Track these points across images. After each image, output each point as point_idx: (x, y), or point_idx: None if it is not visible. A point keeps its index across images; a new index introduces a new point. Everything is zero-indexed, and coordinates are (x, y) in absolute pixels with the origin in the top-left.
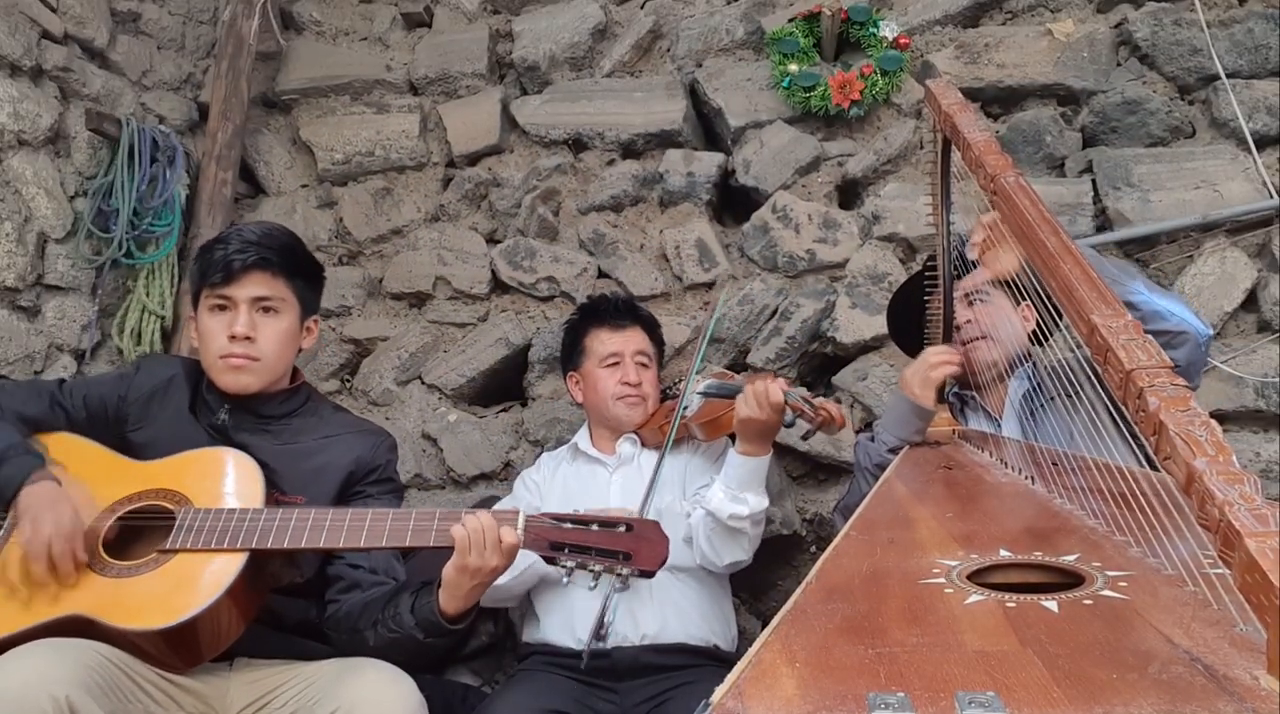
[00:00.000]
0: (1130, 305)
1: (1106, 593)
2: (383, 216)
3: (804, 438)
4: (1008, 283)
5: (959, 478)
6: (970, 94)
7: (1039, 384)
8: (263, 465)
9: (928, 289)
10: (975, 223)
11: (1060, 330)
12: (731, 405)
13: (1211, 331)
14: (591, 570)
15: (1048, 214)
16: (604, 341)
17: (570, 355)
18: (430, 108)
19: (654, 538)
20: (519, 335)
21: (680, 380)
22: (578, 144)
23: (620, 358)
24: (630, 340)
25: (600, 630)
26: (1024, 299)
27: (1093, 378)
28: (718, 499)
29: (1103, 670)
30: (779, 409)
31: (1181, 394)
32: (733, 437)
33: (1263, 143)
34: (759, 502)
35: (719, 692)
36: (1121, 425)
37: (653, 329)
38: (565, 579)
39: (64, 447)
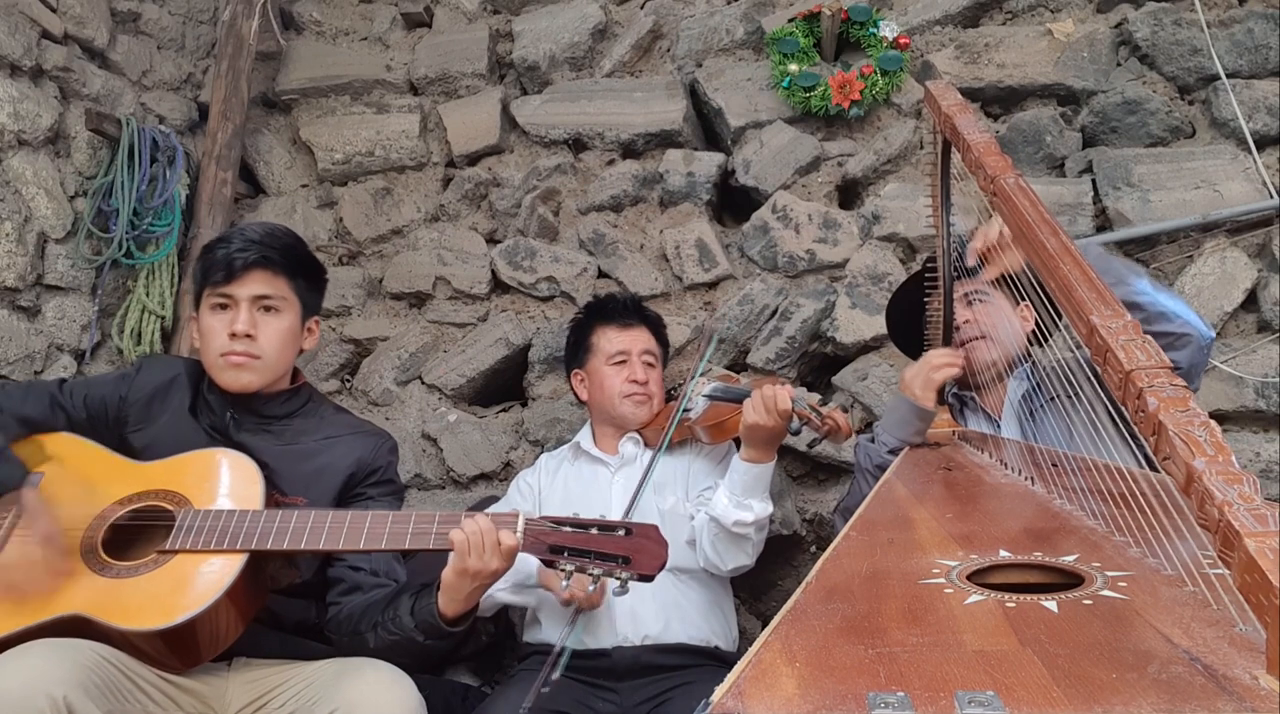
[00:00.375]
0: (1136, 306)
1: (1106, 593)
2: (383, 216)
3: (809, 446)
4: (1007, 282)
5: (959, 479)
6: (970, 94)
7: (1038, 384)
8: (263, 466)
9: (927, 290)
10: (978, 231)
11: (1059, 330)
12: (737, 410)
13: (1214, 334)
14: (590, 574)
15: (1047, 215)
16: (611, 340)
17: (575, 353)
18: (430, 108)
19: (653, 542)
20: (519, 335)
21: (683, 382)
22: (578, 144)
23: (627, 356)
24: (637, 339)
25: (549, 680)
26: (1023, 299)
27: (1091, 378)
28: (722, 505)
29: (1102, 670)
30: (787, 416)
31: (1181, 394)
32: (737, 441)
33: (1263, 143)
34: (763, 508)
35: (719, 692)
36: (1120, 425)
37: (659, 329)
38: (565, 583)
39: (64, 447)
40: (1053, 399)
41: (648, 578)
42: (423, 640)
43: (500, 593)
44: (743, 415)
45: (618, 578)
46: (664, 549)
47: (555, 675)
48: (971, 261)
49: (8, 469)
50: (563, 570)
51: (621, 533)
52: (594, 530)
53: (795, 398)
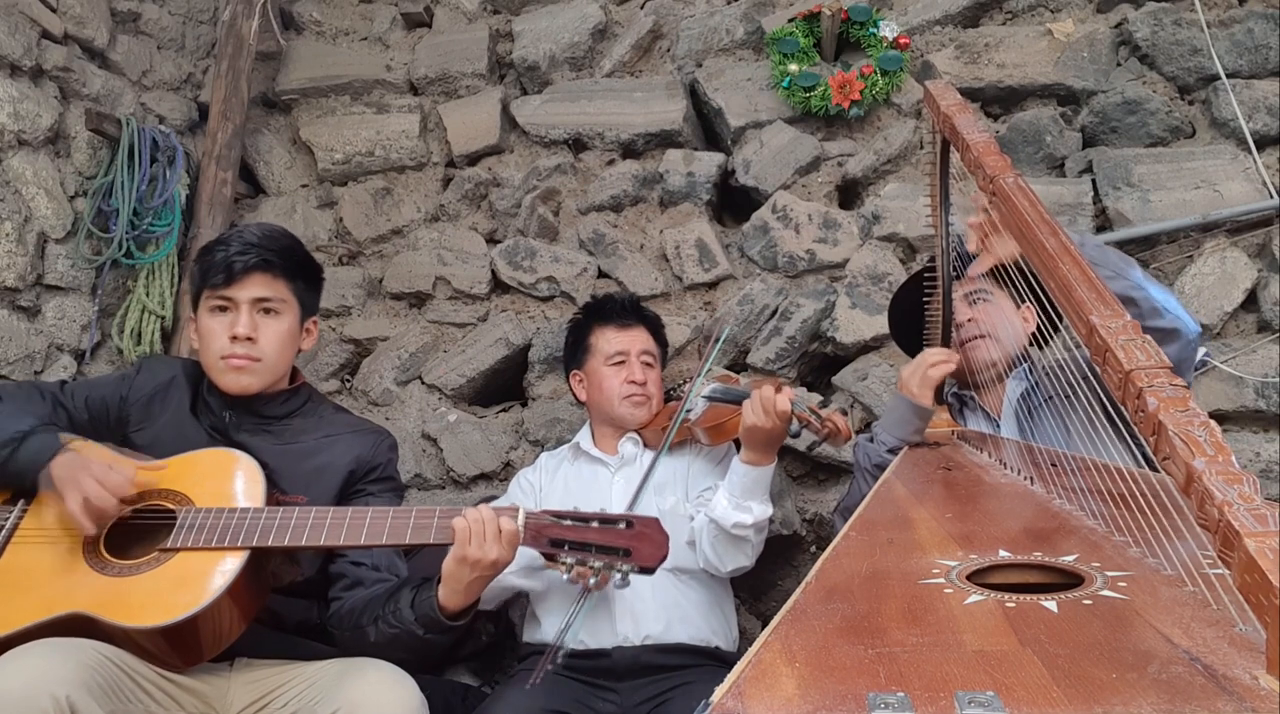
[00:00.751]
0: (1132, 301)
1: (1106, 593)
2: (383, 216)
3: (809, 449)
4: (1009, 283)
5: (958, 478)
6: (970, 94)
7: (1036, 383)
8: (264, 465)
9: (927, 290)
10: (975, 215)
11: (1061, 332)
12: (736, 411)
13: (1200, 329)
14: (591, 567)
15: (1047, 215)
16: (609, 340)
17: (574, 354)
18: (430, 108)
19: (654, 534)
20: (519, 335)
21: (683, 382)
22: (578, 144)
23: (625, 357)
24: (636, 339)
25: (554, 658)
26: (1025, 300)
27: (1090, 377)
28: (722, 507)
29: (1102, 670)
30: (786, 418)
31: (1180, 394)
32: (737, 442)
33: (1263, 143)
34: (763, 510)
35: (719, 692)
36: (1120, 424)
37: (657, 329)
38: (565, 576)
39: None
40: (1050, 398)
41: (649, 570)
42: (422, 634)
43: (510, 576)
44: (742, 417)
45: (619, 570)
46: (665, 541)
47: (563, 649)
48: (972, 247)
49: (46, 439)
50: (563, 564)
51: (622, 526)
52: (594, 524)
53: (795, 400)
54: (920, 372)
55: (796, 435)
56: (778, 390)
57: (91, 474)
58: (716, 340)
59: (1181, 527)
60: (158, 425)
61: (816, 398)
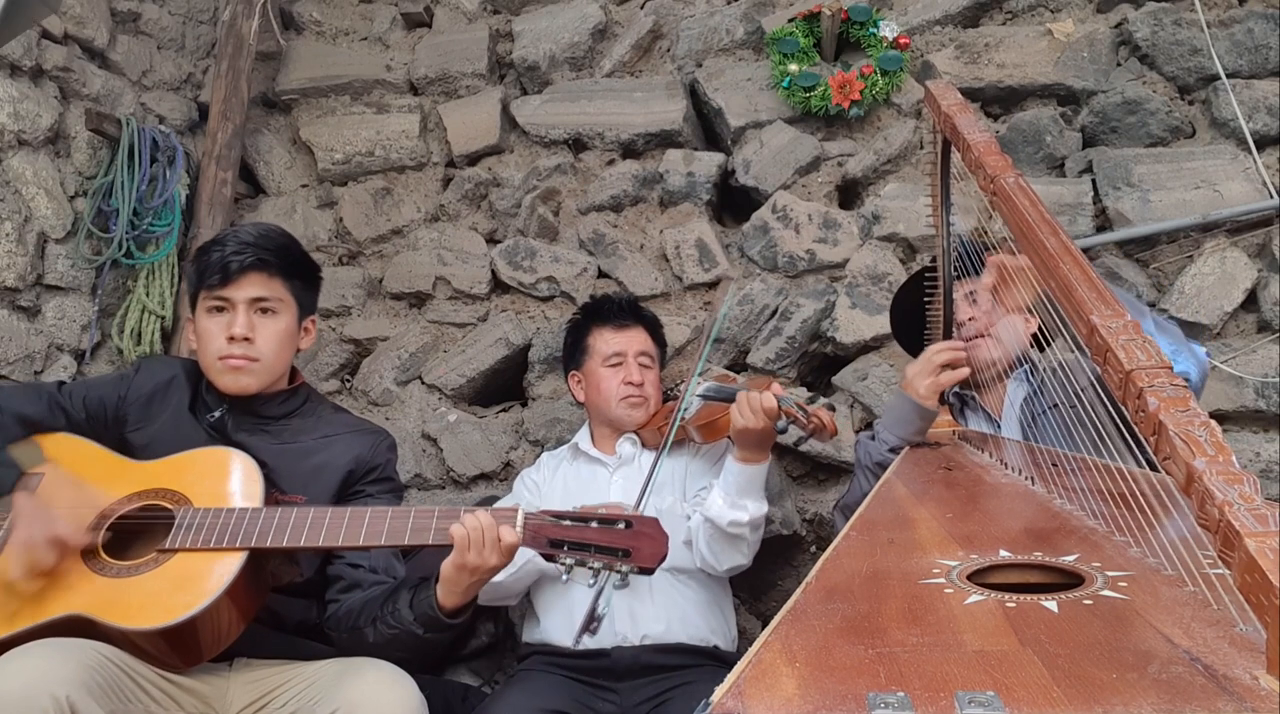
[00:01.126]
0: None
1: (1106, 593)
2: (383, 216)
3: (795, 445)
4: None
5: (959, 478)
6: (970, 94)
7: (1039, 388)
8: (262, 465)
9: (928, 290)
10: (976, 215)
11: (1062, 335)
12: (728, 408)
13: (1207, 359)
14: (590, 567)
15: (1047, 214)
16: (607, 341)
17: (573, 355)
18: (430, 108)
19: (653, 535)
20: (519, 335)
21: (681, 381)
22: (578, 144)
23: (623, 358)
24: (633, 340)
25: (591, 624)
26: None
27: (1094, 386)
28: (717, 506)
29: (1103, 670)
30: (774, 415)
31: (1181, 394)
32: (732, 440)
33: (1263, 143)
34: (758, 508)
35: (719, 692)
36: (1124, 434)
37: (655, 329)
38: (564, 577)
39: (63, 447)
40: (1054, 406)
41: (648, 570)
42: (422, 633)
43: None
44: (731, 420)
45: (618, 571)
46: (664, 541)
47: (604, 611)
48: (984, 300)
49: (2, 472)
50: (563, 564)
51: (622, 526)
52: (594, 524)
53: (782, 397)
54: (928, 374)
55: (783, 431)
56: (765, 389)
57: (40, 524)
58: (707, 337)
59: (1182, 526)
60: (156, 425)
61: (805, 393)
